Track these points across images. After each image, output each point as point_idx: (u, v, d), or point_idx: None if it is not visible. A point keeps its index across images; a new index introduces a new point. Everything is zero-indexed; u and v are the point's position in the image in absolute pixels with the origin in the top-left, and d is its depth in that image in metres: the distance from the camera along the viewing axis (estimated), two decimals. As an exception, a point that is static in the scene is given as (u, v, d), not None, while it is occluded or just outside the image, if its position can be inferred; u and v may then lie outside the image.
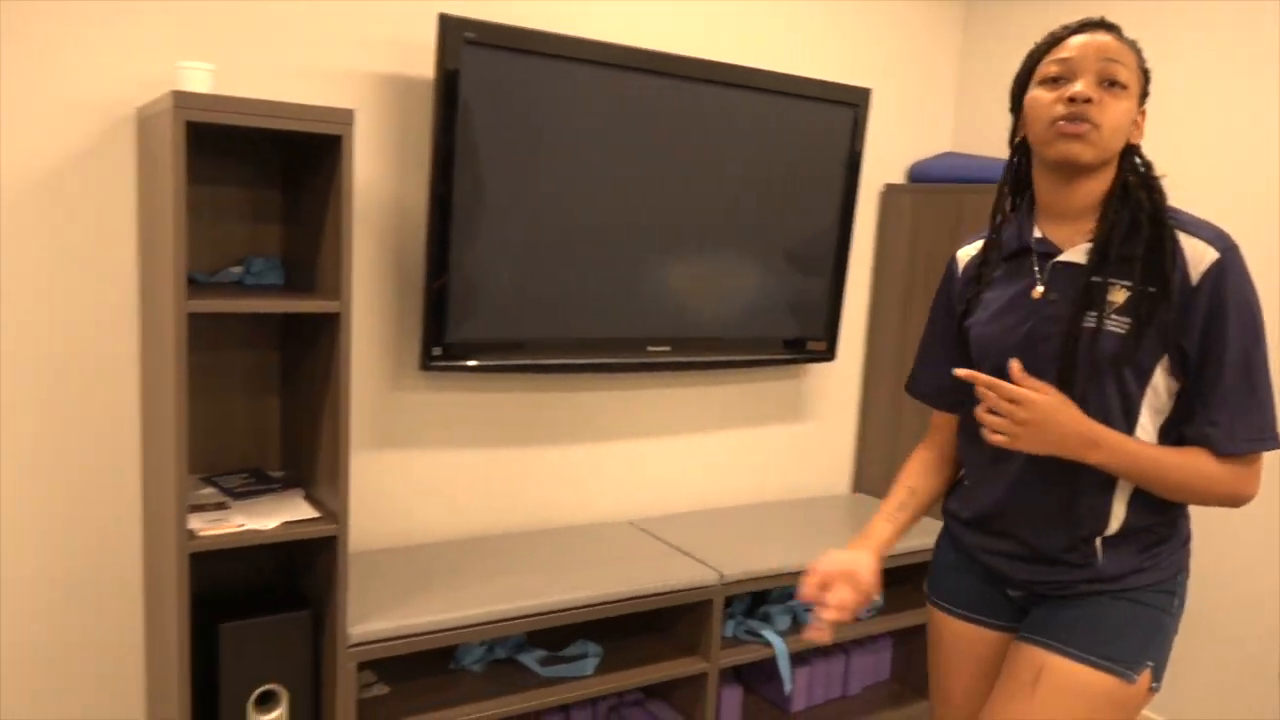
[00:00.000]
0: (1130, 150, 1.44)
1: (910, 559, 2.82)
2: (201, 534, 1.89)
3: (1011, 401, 1.36)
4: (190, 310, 1.82)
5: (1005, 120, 3.23)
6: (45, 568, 2.14)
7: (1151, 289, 1.37)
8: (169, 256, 1.82)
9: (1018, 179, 1.55)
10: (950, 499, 1.66)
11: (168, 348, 1.85)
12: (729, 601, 2.81)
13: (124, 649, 2.25)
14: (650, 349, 2.72)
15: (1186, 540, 1.51)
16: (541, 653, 2.48)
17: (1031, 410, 1.35)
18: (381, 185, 2.38)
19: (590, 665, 2.43)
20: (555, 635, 2.63)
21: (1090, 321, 1.40)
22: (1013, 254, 1.52)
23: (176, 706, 1.92)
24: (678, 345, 2.77)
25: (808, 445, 3.26)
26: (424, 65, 2.38)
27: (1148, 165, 1.45)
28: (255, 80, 2.21)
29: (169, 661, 1.98)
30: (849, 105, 2.95)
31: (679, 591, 2.45)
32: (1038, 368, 1.44)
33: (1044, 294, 1.45)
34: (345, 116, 1.90)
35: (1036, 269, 1.47)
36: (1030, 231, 1.50)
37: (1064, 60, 1.40)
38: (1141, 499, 1.44)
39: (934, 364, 1.67)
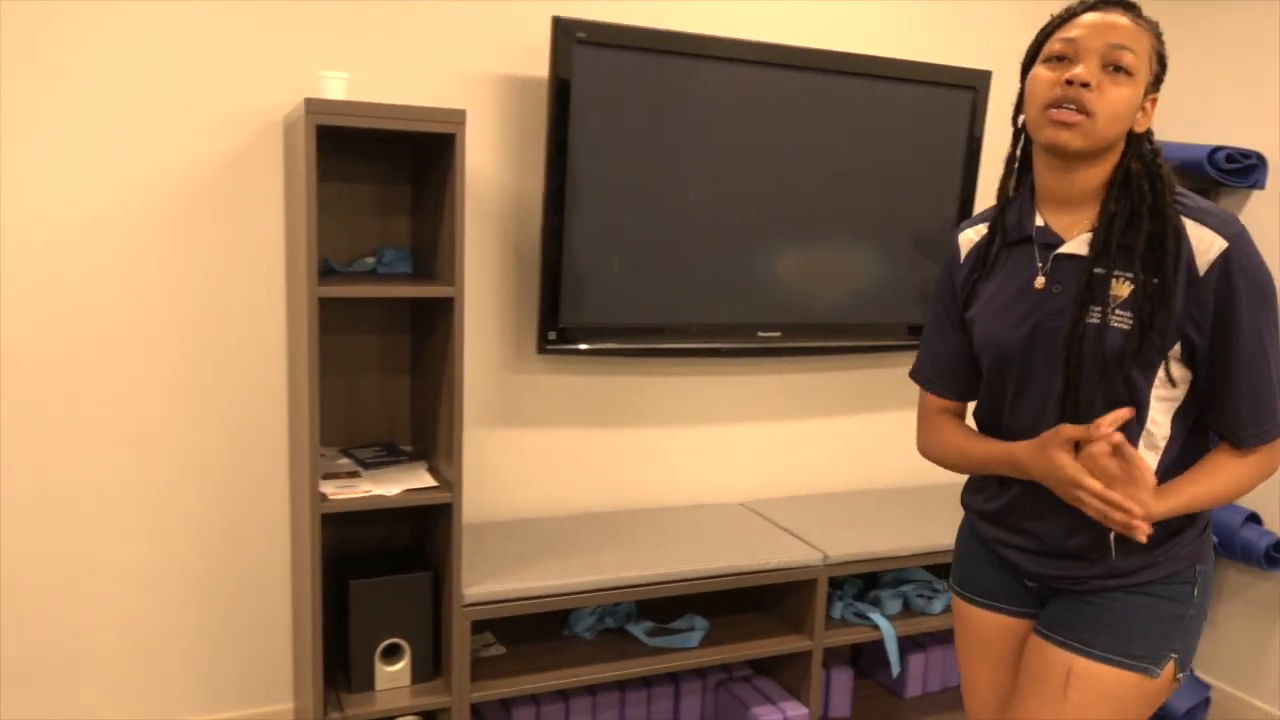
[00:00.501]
0: (1138, 136, 1.38)
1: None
2: (332, 497, 2.10)
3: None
4: (321, 295, 2.02)
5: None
6: (205, 528, 2.41)
7: (1155, 280, 1.32)
8: (303, 248, 2.03)
9: (1024, 159, 1.49)
10: (967, 493, 1.64)
11: (302, 330, 2.06)
12: (840, 584, 2.85)
13: (272, 603, 2.50)
14: (761, 334, 2.79)
15: (1204, 530, 1.47)
16: (650, 624, 2.59)
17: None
18: (501, 179, 2.54)
19: (696, 638, 2.52)
20: (665, 609, 2.73)
21: (1095, 317, 1.36)
22: (1015, 242, 1.47)
23: (311, 654, 2.13)
24: (789, 331, 2.82)
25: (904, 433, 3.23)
26: (539, 65, 2.52)
27: (1155, 152, 1.38)
28: (388, 84, 2.41)
29: (305, 613, 2.20)
30: (968, 89, 2.91)
31: (782, 570, 2.51)
32: (1043, 364, 1.42)
33: (1046, 286, 1.41)
34: (457, 116, 2.06)
35: (1039, 259, 1.43)
36: (1032, 219, 1.45)
37: (1070, 39, 1.34)
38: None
39: (939, 351, 1.62)
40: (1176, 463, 1.42)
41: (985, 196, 3.17)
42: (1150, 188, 1.35)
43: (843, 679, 2.78)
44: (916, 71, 2.82)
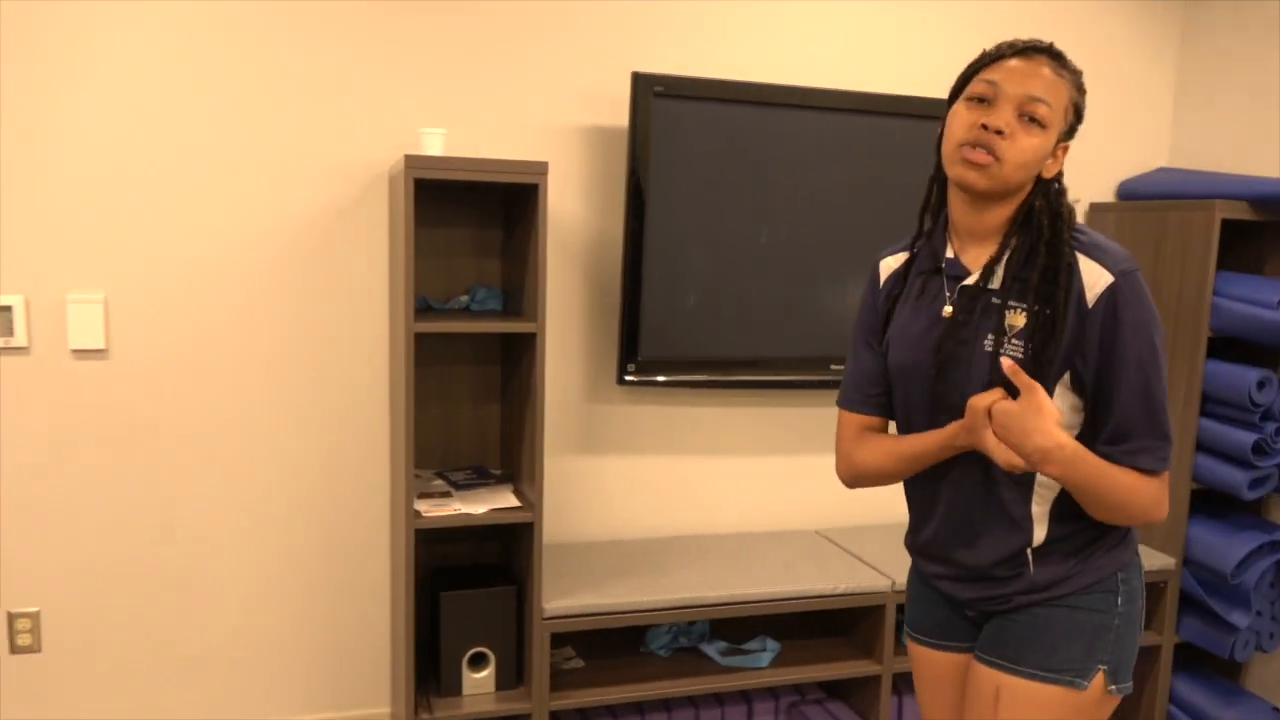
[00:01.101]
0: (1047, 180, 1.44)
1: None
2: (425, 515, 2.30)
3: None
4: (416, 330, 2.23)
5: (1225, 133, 3.12)
6: (315, 542, 2.64)
7: (1047, 312, 1.38)
8: (401, 287, 2.24)
9: (942, 191, 1.54)
10: (908, 535, 1.66)
11: (399, 362, 2.28)
12: (912, 612, 2.91)
13: (375, 613, 2.71)
14: (834, 366, 2.89)
15: (1124, 537, 1.50)
16: (723, 644, 2.71)
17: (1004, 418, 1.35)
18: (585, 222, 2.73)
19: (766, 659, 2.63)
20: (739, 630, 2.84)
21: (989, 345, 1.42)
22: (929, 271, 1.53)
23: (404, 660, 2.33)
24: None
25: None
26: (620, 116, 2.71)
27: (1060, 192, 1.44)
28: (484, 137, 2.63)
29: (399, 623, 2.39)
30: (1041, 127, 2.97)
31: (849, 595, 2.60)
32: (949, 390, 1.46)
33: (953, 315, 1.46)
34: (540, 168, 2.25)
35: (947, 290, 1.49)
36: (944, 251, 1.51)
37: (992, 82, 1.39)
38: (1061, 507, 1.46)
39: (863, 370, 1.62)
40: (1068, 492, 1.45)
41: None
42: (1050, 224, 1.41)
43: (915, 705, 2.84)
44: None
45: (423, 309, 2.58)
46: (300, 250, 2.54)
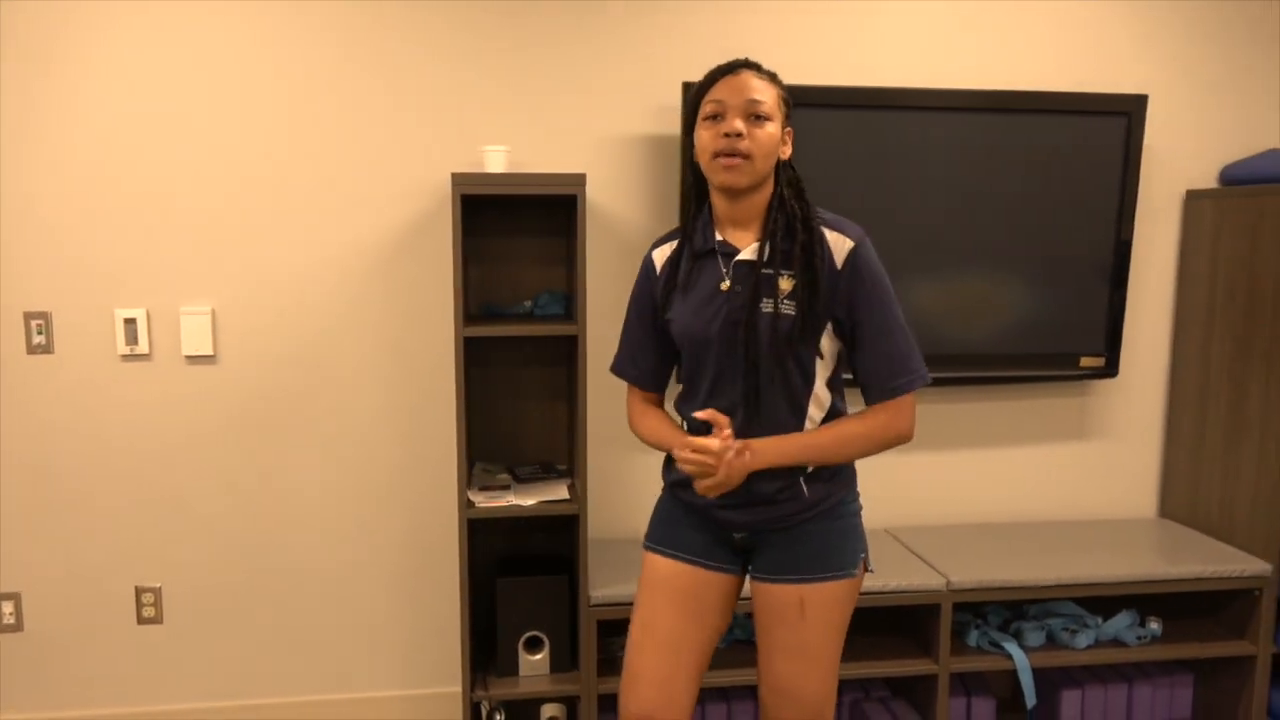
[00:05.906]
0: (784, 164, 1.80)
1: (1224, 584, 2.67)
2: (477, 505, 2.47)
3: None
4: (465, 335, 2.41)
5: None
6: (396, 532, 2.87)
7: (808, 275, 1.73)
8: (452, 295, 2.42)
9: (699, 192, 1.86)
10: (669, 471, 1.93)
11: (454, 364, 2.46)
12: (984, 614, 2.86)
13: (449, 598, 2.91)
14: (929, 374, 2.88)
15: (851, 464, 1.89)
16: (779, 638, 2.75)
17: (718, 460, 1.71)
18: (642, 228, 2.84)
19: (820, 654, 2.66)
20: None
21: (768, 307, 1.74)
22: (701, 255, 1.83)
23: (460, 641, 2.50)
24: (936, 362, 2.89)
25: (1096, 465, 3.15)
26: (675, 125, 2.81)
27: (798, 179, 1.82)
28: (545, 152, 2.79)
29: (462, 607, 2.58)
30: (1121, 114, 2.87)
31: (901, 593, 2.60)
32: (732, 349, 1.78)
33: (730, 287, 1.78)
34: (578, 179, 2.38)
35: (723, 267, 1.80)
36: (713, 236, 1.83)
37: (718, 101, 1.74)
38: None
39: (638, 351, 1.95)
40: (831, 416, 1.83)
41: (1166, 222, 3.07)
42: (798, 206, 1.78)
43: (984, 708, 2.79)
44: (1062, 102, 2.83)
45: (488, 314, 2.76)
46: (381, 263, 2.78)
